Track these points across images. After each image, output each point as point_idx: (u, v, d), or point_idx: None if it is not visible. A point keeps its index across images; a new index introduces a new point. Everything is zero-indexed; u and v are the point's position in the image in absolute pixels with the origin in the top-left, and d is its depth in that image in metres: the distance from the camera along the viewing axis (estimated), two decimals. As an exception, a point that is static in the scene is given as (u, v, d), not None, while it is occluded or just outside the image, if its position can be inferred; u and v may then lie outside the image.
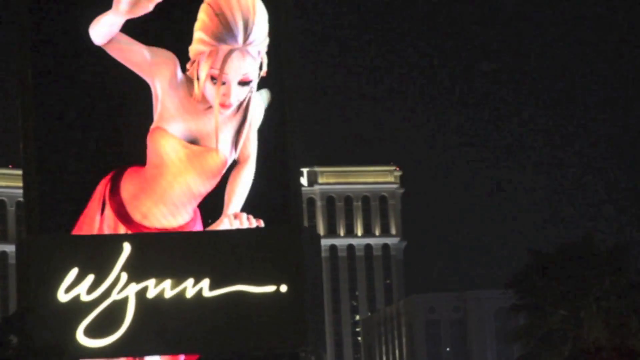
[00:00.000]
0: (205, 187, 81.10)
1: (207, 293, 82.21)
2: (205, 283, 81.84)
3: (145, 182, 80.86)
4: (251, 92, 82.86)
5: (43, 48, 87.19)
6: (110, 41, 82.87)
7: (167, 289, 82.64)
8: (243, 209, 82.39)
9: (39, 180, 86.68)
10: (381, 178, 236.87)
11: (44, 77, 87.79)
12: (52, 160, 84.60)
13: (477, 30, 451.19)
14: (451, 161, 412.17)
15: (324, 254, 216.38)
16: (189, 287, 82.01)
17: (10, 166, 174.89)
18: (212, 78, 79.97)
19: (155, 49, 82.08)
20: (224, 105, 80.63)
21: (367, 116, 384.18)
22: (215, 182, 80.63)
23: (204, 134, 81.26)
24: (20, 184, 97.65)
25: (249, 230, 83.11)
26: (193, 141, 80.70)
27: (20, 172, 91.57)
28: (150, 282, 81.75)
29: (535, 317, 73.09)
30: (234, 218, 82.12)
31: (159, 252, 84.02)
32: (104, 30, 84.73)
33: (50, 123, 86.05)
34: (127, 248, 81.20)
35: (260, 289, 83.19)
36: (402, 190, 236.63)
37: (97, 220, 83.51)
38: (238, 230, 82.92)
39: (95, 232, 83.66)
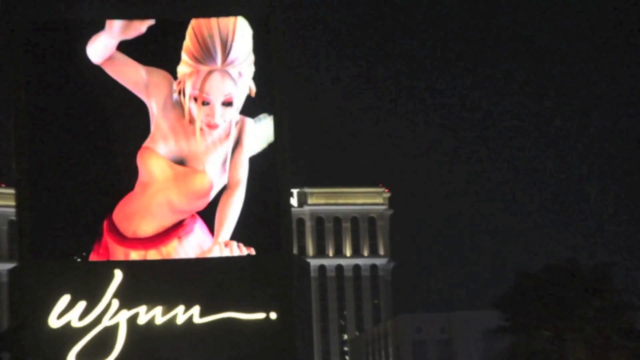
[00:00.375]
0: (190, 206, 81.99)
1: (197, 320, 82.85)
2: (195, 310, 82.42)
3: (133, 201, 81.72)
4: (237, 113, 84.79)
5: (37, 67, 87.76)
6: (107, 59, 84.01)
7: (157, 315, 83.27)
8: (233, 234, 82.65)
9: (31, 201, 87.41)
10: (370, 199, 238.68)
11: (38, 95, 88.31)
12: (45, 181, 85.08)
13: (465, 48, 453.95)
14: (439, 182, 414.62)
15: (312, 274, 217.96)
16: (180, 314, 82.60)
17: (3, 185, 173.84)
18: (195, 99, 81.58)
19: (151, 68, 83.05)
20: (209, 126, 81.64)
21: (355, 136, 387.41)
22: (203, 202, 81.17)
23: (192, 156, 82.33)
24: (13, 203, 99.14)
25: (239, 258, 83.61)
26: (181, 162, 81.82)
27: (13, 191, 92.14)
28: (142, 309, 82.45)
29: (521, 337, 74.22)
30: (224, 246, 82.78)
31: (150, 279, 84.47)
32: (99, 49, 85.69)
33: (44, 142, 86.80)
34: (118, 275, 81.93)
35: (250, 316, 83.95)
36: (390, 212, 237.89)
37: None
38: (228, 258, 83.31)
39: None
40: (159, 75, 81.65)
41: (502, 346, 77.41)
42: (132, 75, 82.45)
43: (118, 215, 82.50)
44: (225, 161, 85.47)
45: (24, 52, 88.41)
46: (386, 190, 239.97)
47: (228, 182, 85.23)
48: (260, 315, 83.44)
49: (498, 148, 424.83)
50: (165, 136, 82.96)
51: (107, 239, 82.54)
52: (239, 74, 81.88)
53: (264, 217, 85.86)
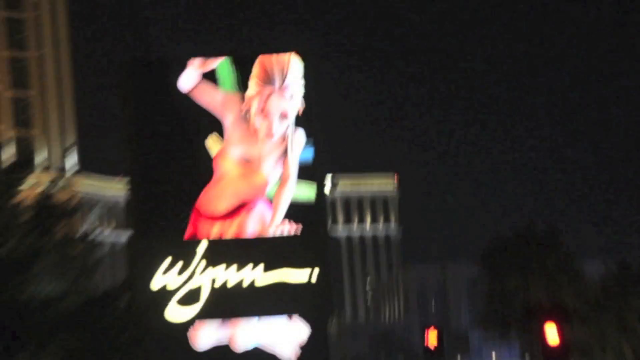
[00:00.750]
0: (251, 195, 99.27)
1: (261, 274, 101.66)
2: (260, 267, 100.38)
3: (212, 190, 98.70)
4: (290, 125, 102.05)
5: (142, 94, 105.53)
6: (193, 88, 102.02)
7: (233, 271, 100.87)
8: (286, 215, 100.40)
9: (140, 190, 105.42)
10: (384, 184, 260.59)
11: (143, 115, 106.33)
12: (150, 176, 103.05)
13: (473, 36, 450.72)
14: (440, 162, 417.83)
15: (343, 243, 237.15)
16: (249, 270, 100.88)
17: (121, 176, 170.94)
18: (259, 114, 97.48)
19: (226, 93, 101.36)
20: (268, 135, 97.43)
21: (368, 127, 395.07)
22: (261, 192, 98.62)
23: (255, 158, 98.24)
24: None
25: (290, 236, 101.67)
26: (246, 161, 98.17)
27: (126, 181, 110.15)
28: (222, 267, 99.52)
29: (496, 284, 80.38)
30: (281, 224, 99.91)
31: (228, 249, 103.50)
32: (186, 80, 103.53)
33: (149, 148, 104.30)
34: (204, 244, 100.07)
35: (300, 271, 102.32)
36: (398, 194, 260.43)
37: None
38: (282, 237, 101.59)
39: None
40: (232, 98, 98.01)
41: (483, 289, 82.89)
42: (211, 99, 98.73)
43: (202, 199, 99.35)
44: (279, 161, 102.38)
45: (133, 83, 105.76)
46: (396, 176, 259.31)
47: (282, 176, 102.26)
48: (307, 271, 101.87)
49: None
50: (236, 143, 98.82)
51: (195, 216, 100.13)
52: (291, 95, 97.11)
53: (307, 202, 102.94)
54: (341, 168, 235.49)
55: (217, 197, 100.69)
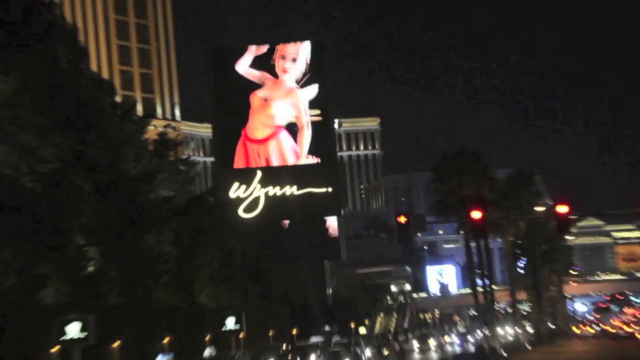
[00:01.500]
0: (271, 126, 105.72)
1: (295, 191, 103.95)
2: (295, 187, 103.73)
3: (250, 124, 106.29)
4: (300, 76, 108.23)
5: (218, 70, 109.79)
6: (245, 72, 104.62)
7: (278, 189, 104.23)
8: (309, 151, 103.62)
9: (218, 132, 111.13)
10: (371, 122, 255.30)
11: (218, 89, 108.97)
12: (223, 122, 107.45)
13: None
14: (410, 107, 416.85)
15: (346, 161, 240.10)
16: (288, 188, 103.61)
17: (205, 122, 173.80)
18: (279, 59, 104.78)
19: (263, 73, 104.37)
20: (284, 71, 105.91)
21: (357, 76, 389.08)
22: (273, 124, 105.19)
23: (269, 98, 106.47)
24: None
25: (313, 164, 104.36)
26: (264, 100, 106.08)
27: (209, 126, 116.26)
28: (270, 187, 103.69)
29: (442, 186, 74.76)
30: (306, 158, 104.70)
31: (273, 174, 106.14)
32: (241, 67, 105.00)
33: (222, 108, 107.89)
34: (259, 173, 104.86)
35: (319, 189, 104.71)
36: (380, 129, 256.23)
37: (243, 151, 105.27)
38: (308, 165, 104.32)
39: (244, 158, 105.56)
40: (265, 75, 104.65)
41: (435, 189, 77.05)
42: (254, 77, 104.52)
43: (247, 128, 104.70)
44: (288, 106, 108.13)
45: (210, 66, 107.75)
46: (379, 118, 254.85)
47: (299, 125, 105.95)
48: (324, 189, 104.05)
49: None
50: (262, 90, 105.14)
51: (244, 139, 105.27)
52: (305, 60, 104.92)
53: (322, 143, 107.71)
54: (345, 113, 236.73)
55: (254, 127, 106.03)
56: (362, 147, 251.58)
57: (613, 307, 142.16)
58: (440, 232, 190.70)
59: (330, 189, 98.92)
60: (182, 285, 53.90)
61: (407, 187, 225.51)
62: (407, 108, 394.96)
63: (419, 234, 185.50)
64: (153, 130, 67.89)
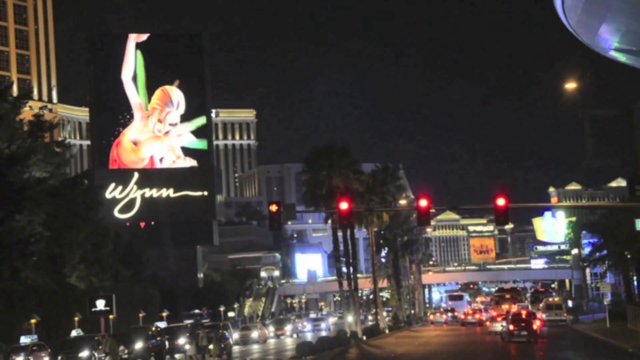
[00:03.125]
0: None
1: (172, 194, 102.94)
2: (171, 189, 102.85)
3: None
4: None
5: (99, 60, 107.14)
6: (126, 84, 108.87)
7: (155, 190, 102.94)
8: (186, 153, 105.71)
9: (95, 117, 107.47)
10: (248, 114, 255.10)
11: (100, 71, 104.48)
12: (101, 106, 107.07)
13: None
14: (285, 99, 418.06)
15: (221, 149, 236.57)
16: (165, 190, 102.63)
17: (84, 107, 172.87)
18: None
19: (141, 105, 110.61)
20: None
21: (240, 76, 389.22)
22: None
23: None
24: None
25: (190, 167, 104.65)
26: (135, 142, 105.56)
27: (86, 110, 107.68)
28: (147, 189, 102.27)
29: (312, 177, 73.09)
30: (183, 159, 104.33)
31: (149, 178, 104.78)
32: (126, 74, 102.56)
33: (101, 99, 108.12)
34: (136, 174, 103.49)
35: (195, 192, 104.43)
36: (256, 120, 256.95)
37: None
38: (186, 168, 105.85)
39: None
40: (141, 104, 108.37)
41: (306, 180, 75.20)
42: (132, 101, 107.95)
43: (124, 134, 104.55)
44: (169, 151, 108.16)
45: (93, 49, 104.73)
46: (254, 110, 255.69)
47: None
48: (200, 192, 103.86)
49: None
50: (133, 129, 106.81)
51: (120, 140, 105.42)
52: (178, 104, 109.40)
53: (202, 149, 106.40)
54: (222, 104, 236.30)
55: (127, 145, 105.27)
56: (237, 137, 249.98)
57: (465, 296, 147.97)
58: (310, 221, 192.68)
59: (206, 193, 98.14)
60: (53, 266, 52.73)
61: (279, 177, 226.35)
62: (283, 101, 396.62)
63: (290, 222, 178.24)
64: (29, 111, 65.66)
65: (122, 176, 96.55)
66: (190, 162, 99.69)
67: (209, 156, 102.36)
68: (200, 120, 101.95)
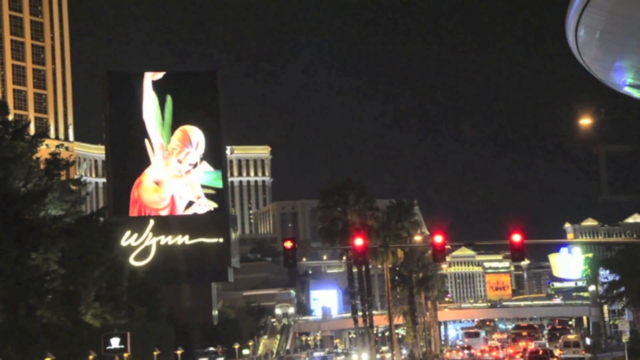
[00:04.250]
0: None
1: (187, 241, 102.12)
2: (187, 236, 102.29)
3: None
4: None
5: (115, 96, 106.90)
6: (147, 121, 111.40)
7: (170, 238, 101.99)
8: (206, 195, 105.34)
9: (112, 155, 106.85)
10: (262, 150, 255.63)
11: (116, 109, 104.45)
12: (118, 144, 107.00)
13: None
14: (300, 138, 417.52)
15: (236, 186, 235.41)
16: (180, 237, 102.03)
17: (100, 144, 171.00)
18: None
19: (162, 144, 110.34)
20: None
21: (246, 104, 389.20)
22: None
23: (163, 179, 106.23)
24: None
25: (206, 214, 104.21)
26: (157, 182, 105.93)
27: (102, 147, 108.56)
28: (163, 236, 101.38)
29: (327, 213, 74.55)
30: (198, 206, 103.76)
31: (167, 225, 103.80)
32: (145, 112, 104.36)
33: (117, 139, 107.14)
34: (152, 221, 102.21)
35: (210, 239, 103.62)
36: (270, 157, 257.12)
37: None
38: (201, 215, 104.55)
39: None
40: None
41: (320, 216, 75.93)
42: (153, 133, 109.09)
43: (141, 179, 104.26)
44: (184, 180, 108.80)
45: (109, 88, 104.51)
46: (268, 147, 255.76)
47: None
48: (215, 239, 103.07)
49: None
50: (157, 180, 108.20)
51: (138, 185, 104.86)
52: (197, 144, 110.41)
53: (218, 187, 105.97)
54: (236, 139, 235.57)
55: (147, 187, 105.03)
56: (252, 174, 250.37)
57: (482, 333, 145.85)
58: (325, 257, 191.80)
59: (221, 240, 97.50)
60: (68, 304, 52.41)
61: (294, 213, 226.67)
62: (298, 137, 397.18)
63: (304, 259, 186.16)
64: (45, 150, 65.88)
65: (138, 224, 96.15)
66: (208, 203, 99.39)
67: (224, 203, 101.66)
68: (216, 182, 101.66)
